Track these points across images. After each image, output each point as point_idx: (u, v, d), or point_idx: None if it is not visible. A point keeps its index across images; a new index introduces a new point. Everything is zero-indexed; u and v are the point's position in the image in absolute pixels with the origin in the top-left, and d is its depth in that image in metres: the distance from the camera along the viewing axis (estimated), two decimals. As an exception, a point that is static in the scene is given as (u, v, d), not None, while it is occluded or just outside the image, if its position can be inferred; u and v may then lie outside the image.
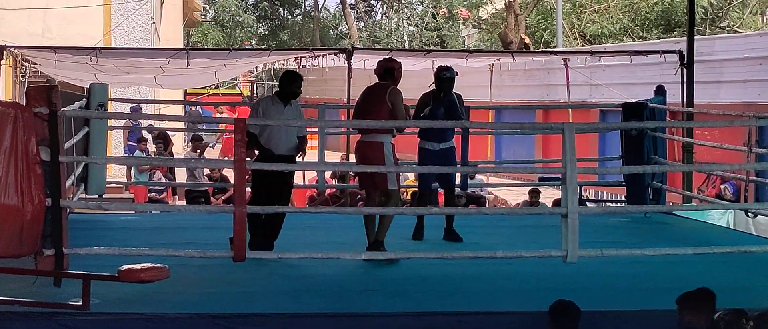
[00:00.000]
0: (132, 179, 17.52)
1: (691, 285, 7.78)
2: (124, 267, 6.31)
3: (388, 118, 8.40)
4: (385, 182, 8.45)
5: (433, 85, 9.45)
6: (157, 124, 19.94)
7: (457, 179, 12.34)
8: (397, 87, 8.61)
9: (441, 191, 9.77)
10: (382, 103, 8.47)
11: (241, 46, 43.72)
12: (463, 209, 8.70)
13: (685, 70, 13.13)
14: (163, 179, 17.55)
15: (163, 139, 19.42)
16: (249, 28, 51.25)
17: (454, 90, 9.40)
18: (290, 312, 6.69)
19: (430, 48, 36.39)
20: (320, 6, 51.61)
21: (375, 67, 8.90)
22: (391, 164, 8.46)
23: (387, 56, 9.24)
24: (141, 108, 18.44)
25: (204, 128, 21.62)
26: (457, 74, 9.44)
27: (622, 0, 33.73)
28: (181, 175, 19.17)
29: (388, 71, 8.73)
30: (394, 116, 8.43)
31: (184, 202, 16.95)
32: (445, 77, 9.31)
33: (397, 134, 8.73)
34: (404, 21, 47.92)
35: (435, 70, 9.52)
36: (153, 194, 17.57)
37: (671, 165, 12.43)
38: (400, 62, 8.89)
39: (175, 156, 21.76)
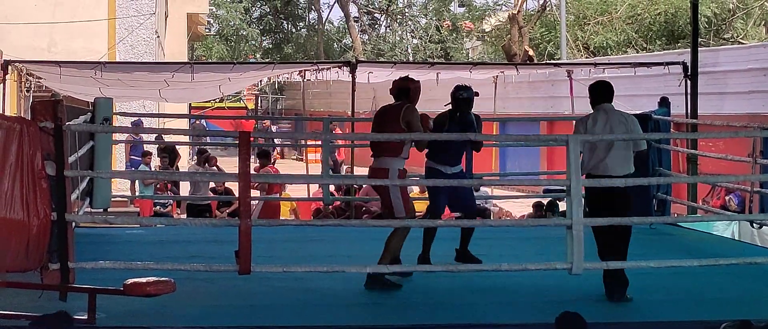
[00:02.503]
0: (136, 193, 17.54)
1: (697, 297, 7.79)
2: (130, 281, 6.32)
3: (402, 141, 7.85)
4: (392, 209, 7.92)
5: (450, 104, 8.75)
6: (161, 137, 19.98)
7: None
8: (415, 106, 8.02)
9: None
10: (396, 124, 7.87)
11: (246, 59, 43.80)
12: (468, 222, 8.63)
13: (689, 82, 13.13)
14: (169, 193, 17.57)
15: (168, 153, 19.45)
16: (253, 42, 51.34)
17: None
18: (296, 325, 6.70)
19: (434, 61, 36.42)
20: (324, 19, 51.68)
21: (390, 86, 8.25)
22: (396, 193, 7.88)
23: (404, 76, 8.53)
24: (142, 122, 18.49)
25: (208, 141, 21.65)
26: (476, 94, 8.74)
27: (625, 11, 33.75)
28: (184, 188, 19.19)
29: (403, 91, 8.08)
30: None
31: (185, 216, 16.97)
32: (461, 98, 8.62)
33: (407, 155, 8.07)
34: (408, 34, 48.01)
35: (452, 89, 8.75)
36: (158, 207, 17.59)
37: (676, 177, 12.41)
38: (418, 82, 8.23)
39: (180, 170, 21.79)
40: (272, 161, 19.91)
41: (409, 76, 8.43)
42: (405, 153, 7.95)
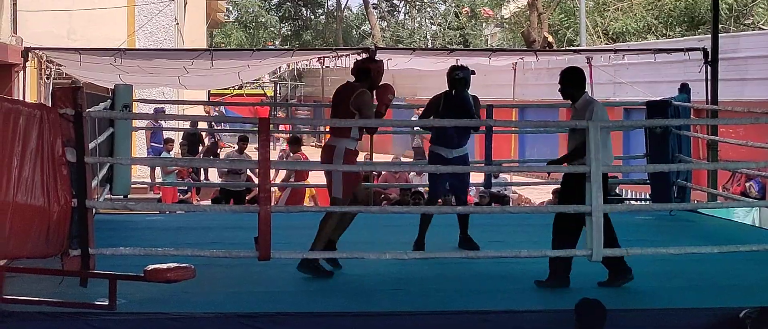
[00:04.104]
0: (156, 180, 17.57)
1: (717, 283, 7.77)
2: (150, 267, 6.34)
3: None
4: (332, 187, 7.97)
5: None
6: (181, 125, 20.01)
7: (481, 179, 12.30)
8: (367, 89, 7.95)
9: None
10: (346, 108, 7.88)
11: (265, 46, 43.83)
12: (487, 208, 8.63)
13: (709, 68, 13.05)
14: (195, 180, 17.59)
15: (188, 142, 19.46)
16: (272, 29, 51.37)
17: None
18: (315, 311, 6.71)
19: (453, 47, 36.36)
20: (343, 6, 51.69)
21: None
22: (338, 173, 7.88)
23: (365, 57, 8.53)
24: (164, 110, 18.51)
25: (227, 127, 21.65)
26: (473, 73, 8.80)
27: (645, -3, 33.61)
28: (212, 175, 19.21)
29: (363, 72, 8.06)
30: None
31: (208, 202, 17.00)
32: (456, 78, 8.69)
33: (361, 136, 8.10)
34: (427, 20, 47.95)
35: (448, 70, 8.86)
36: (179, 194, 17.63)
37: (696, 163, 12.36)
38: (380, 62, 8.23)
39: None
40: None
41: (371, 57, 8.45)
42: (354, 134, 7.93)
